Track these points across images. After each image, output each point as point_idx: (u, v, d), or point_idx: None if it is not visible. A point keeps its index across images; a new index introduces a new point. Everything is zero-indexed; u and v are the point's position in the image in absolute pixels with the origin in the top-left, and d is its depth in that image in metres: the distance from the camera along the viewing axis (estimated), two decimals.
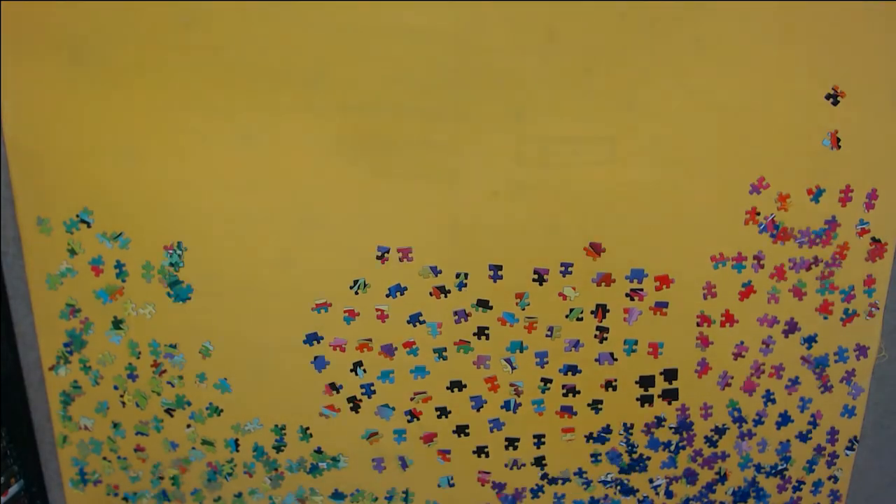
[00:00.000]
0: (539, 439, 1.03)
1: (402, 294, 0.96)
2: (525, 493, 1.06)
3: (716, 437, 1.01)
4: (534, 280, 0.94)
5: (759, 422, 1.00)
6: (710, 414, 1.00)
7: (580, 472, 1.04)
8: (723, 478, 1.03)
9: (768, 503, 1.05)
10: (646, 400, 1.00)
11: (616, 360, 0.98)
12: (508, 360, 0.98)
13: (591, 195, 0.90)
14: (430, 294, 0.95)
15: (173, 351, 1.00)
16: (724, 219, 0.91)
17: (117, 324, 0.99)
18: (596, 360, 0.98)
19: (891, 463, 1.04)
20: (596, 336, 0.97)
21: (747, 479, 1.04)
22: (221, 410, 1.02)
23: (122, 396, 1.03)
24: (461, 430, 1.03)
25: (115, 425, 1.05)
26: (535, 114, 0.87)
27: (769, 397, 0.99)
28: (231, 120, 0.88)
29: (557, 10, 0.83)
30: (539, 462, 1.04)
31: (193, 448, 1.05)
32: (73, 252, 0.96)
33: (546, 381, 0.99)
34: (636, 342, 0.97)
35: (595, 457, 1.03)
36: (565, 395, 1.00)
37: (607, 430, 1.02)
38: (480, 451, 1.04)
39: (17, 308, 0.99)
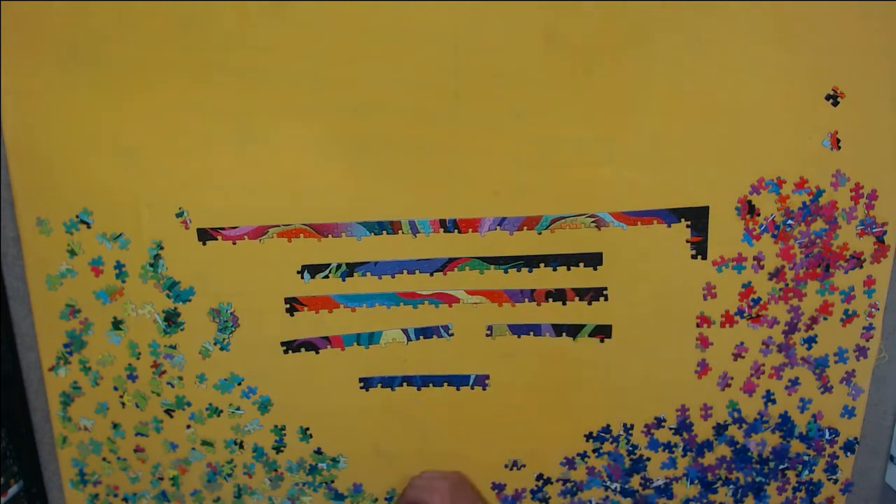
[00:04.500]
0: None
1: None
2: (525, 493, 1.06)
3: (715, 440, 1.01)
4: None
5: (759, 422, 1.00)
6: (710, 414, 1.00)
7: (571, 463, 1.04)
8: (726, 480, 1.03)
9: (768, 503, 1.05)
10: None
11: None
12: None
13: (590, 195, 0.90)
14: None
15: (173, 352, 1.00)
16: (723, 219, 0.91)
17: (117, 324, 0.99)
18: None
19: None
20: None
21: (747, 479, 1.03)
22: (221, 411, 1.03)
23: (121, 397, 1.03)
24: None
25: (115, 426, 1.05)
26: (535, 114, 0.87)
27: (769, 398, 0.99)
28: (231, 120, 0.88)
29: (557, 11, 0.83)
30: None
31: (193, 449, 1.05)
32: (72, 253, 0.96)
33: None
34: None
35: (592, 453, 1.04)
36: None
37: (607, 429, 1.02)
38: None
39: (16, 309, 0.99)
